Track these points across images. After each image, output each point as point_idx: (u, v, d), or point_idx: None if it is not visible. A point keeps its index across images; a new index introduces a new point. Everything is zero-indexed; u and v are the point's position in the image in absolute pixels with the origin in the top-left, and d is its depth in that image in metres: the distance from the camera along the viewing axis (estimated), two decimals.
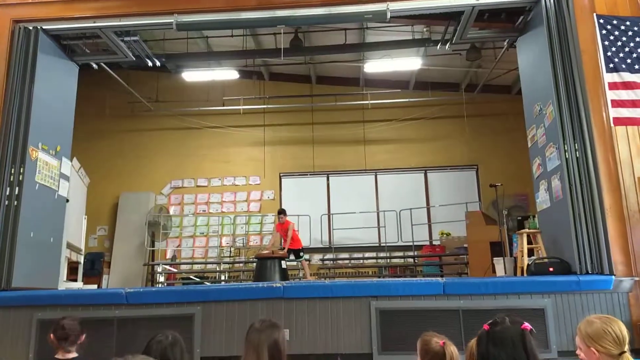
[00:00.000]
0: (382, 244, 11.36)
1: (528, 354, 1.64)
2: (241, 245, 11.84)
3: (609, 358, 1.94)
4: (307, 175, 12.24)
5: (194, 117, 12.21)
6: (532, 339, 1.68)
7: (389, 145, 12.19)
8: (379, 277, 10.49)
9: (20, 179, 5.89)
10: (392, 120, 12.03)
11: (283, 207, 11.57)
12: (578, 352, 2.62)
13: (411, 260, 11.14)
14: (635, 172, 5.49)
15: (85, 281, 9.49)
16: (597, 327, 1.99)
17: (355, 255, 11.55)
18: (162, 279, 10.84)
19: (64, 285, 7.47)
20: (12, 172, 5.88)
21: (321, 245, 11.52)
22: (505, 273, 6.99)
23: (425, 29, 8.98)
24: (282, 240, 8.72)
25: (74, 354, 2.78)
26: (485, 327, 1.76)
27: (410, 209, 11.15)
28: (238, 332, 4.93)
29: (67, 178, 6.94)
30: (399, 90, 11.98)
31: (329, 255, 11.46)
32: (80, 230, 9.31)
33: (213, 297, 5.29)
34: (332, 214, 11.71)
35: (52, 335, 2.74)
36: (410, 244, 10.85)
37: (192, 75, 10.59)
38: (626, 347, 1.92)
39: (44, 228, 6.29)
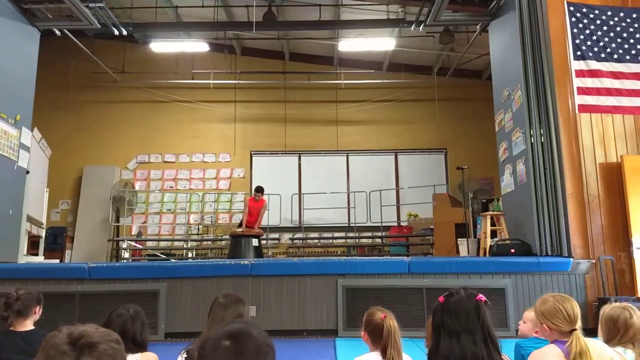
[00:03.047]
0: (351, 225, 11.46)
1: (482, 324, 1.68)
2: (210, 223, 11.73)
3: (560, 334, 2.02)
4: (278, 154, 12.15)
5: (161, 90, 11.88)
6: (486, 310, 1.72)
7: (361, 127, 12.20)
8: (347, 256, 10.60)
9: None
10: (365, 102, 12.03)
11: (254, 185, 11.54)
12: (520, 323, 2.79)
13: (379, 240, 11.29)
14: (597, 159, 5.67)
15: (47, 256, 9.23)
16: (550, 305, 2.06)
17: (325, 235, 11.62)
18: (127, 255, 10.66)
19: (24, 259, 7.26)
20: None
21: (291, 225, 11.53)
22: (469, 253, 7.17)
23: (400, 9, 8.95)
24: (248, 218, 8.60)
25: (30, 327, 2.70)
26: (441, 299, 1.80)
27: (380, 190, 11.25)
28: (204, 309, 4.88)
29: (27, 149, 6.69)
30: (373, 71, 11.96)
31: (298, 235, 11.49)
32: (42, 203, 9.02)
33: (179, 274, 5.24)
34: (303, 194, 11.70)
35: (5, 306, 2.65)
36: (379, 224, 10.98)
37: (160, 46, 10.25)
38: (577, 325, 1.99)
39: (2, 199, 6.08)
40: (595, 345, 1.97)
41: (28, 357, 2.54)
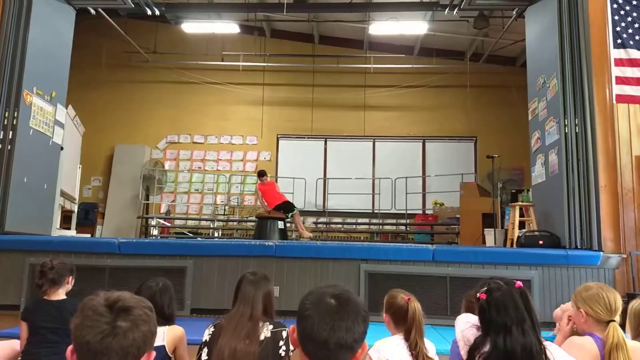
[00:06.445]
0: (375, 211, 11.43)
1: (529, 312, 1.64)
2: (236, 204, 11.88)
3: (596, 323, 1.96)
4: (304, 138, 12.16)
5: (192, 71, 12.00)
6: (530, 296, 1.68)
7: (389, 112, 12.08)
8: (371, 242, 10.59)
9: (14, 123, 5.81)
10: (394, 87, 11.88)
11: (279, 168, 11.70)
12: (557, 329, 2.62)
13: (403, 227, 11.24)
14: (633, 150, 5.48)
15: (79, 230, 9.53)
16: (593, 292, 2.01)
17: (348, 220, 11.63)
18: (155, 232, 10.91)
19: (57, 232, 7.51)
20: (6, 115, 5.79)
21: (315, 209, 11.58)
22: (495, 244, 7.07)
23: None
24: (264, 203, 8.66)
25: (62, 296, 2.80)
26: (482, 296, 1.71)
27: (406, 177, 11.16)
28: (229, 287, 4.99)
29: (61, 125, 6.86)
30: (403, 55, 11.78)
31: (322, 219, 11.54)
32: (75, 179, 9.28)
33: (206, 252, 5.34)
34: (328, 179, 11.71)
35: (40, 274, 2.75)
36: (404, 212, 10.92)
37: (191, 27, 10.32)
38: (616, 318, 1.93)
39: (37, 174, 6.26)
40: (633, 345, 1.91)
41: (59, 325, 2.64)
